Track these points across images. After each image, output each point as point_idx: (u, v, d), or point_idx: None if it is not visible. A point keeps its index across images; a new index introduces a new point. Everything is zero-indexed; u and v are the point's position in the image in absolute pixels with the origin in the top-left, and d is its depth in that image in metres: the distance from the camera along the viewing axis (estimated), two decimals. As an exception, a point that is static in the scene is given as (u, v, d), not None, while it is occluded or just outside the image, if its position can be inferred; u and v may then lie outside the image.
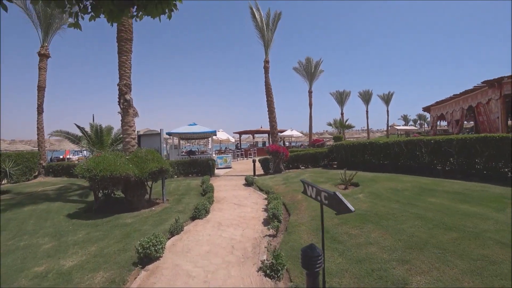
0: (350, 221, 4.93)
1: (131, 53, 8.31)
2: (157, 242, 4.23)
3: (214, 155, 17.03)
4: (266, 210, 6.94)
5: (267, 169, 13.48)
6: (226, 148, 32.51)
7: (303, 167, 14.43)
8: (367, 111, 45.59)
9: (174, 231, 5.27)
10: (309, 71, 31.27)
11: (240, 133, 28.85)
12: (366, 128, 51.73)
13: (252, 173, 13.51)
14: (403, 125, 72.06)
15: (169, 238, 5.15)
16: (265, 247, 4.49)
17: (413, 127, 64.28)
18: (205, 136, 17.09)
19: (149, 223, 6.13)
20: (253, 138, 29.72)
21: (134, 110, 8.19)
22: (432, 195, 5.99)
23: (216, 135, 17.54)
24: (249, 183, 10.61)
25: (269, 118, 13.78)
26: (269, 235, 5.07)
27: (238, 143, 29.98)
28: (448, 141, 7.93)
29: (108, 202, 8.24)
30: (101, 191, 8.24)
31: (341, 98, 40.25)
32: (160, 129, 8.13)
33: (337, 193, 2.41)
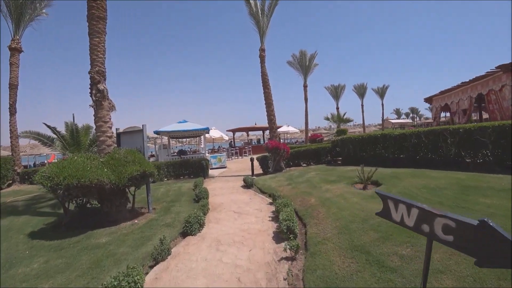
0: (393, 235, 3.71)
1: (104, 35, 6.92)
2: (132, 281, 2.92)
3: (207, 154, 15.70)
4: (273, 218, 5.69)
5: (266, 168, 12.23)
6: (219, 146, 31.12)
7: (304, 164, 13.24)
8: (362, 105, 44.88)
9: (159, 256, 3.96)
10: (304, 65, 30.10)
11: (234, 131, 27.51)
12: (359, 123, 51.09)
13: (250, 173, 12.25)
14: (395, 119, 71.77)
15: (151, 267, 3.84)
16: (284, 279, 3.23)
17: (407, 120, 63.94)
18: (197, 134, 15.71)
19: (128, 243, 4.80)
20: (248, 135, 28.45)
21: (110, 103, 6.81)
22: (481, 194, 4.82)
23: (208, 132, 16.20)
24: (248, 184, 9.33)
25: (267, 111, 12.51)
26: (286, 258, 3.80)
27: (232, 141, 28.63)
28: (481, 129, 6.79)
29: (82, 214, 6.87)
30: (73, 201, 6.88)
31: (336, 92, 39.28)
32: (143, 125, 6.77)
33: (488, 220, 1.15)
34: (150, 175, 6.53)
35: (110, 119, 6.75)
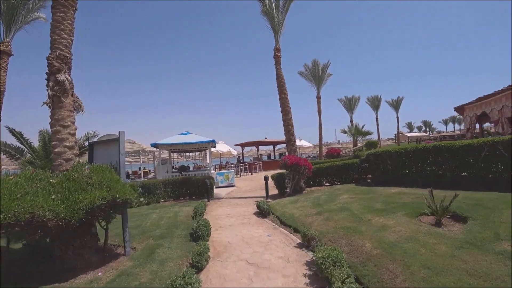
0: None
1: (73, 10, 5.15)
2: None
3: (213, 171, 13.69)
4: (313, 280, 3.54)
5: (283, 188, 10.09)
6: (227, 162, 29.09)
7: (327, 184, 11.06)
8: (376, 118, 42.61)
9: None
10: (317, 75, 28.30)
11: (243, 145, 25.55)
12: (372, 137, 48.59)
13: (263, 194, 10.17)
14: (407, 132, 68.72)
15: None
16: None
17: (423, 134, 60.85)
18: (201, 147, 13.76)
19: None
20: (258, 150, 26.40)
21: (75, 101, 4.92)
22: None
23: (215, 146, 14.26)
24: (263, 212, 7.20)
25: (284, 121, 10.51)
26: None
27: (240, 157, 26.60)
28: None
29: (31, 257, 4.86)
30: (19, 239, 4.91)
31: (350, 104, 37.15)
32: (119, 132, 4.82)
33: None
34: (124, 203, 4.51)
35: (73, 123, 4.83)
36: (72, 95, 4.86)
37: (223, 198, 10.78)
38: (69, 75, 4.85)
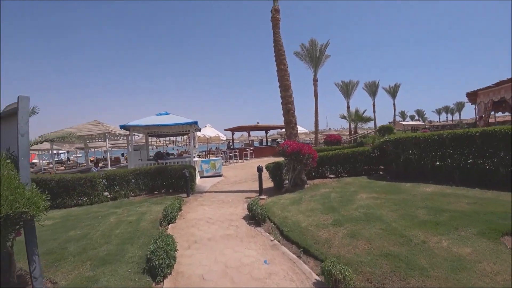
0: None
1: None
2: None
3: (197, 158, 11.72)
4: None
5: (280, 180, 8.24)
6: (216, 148, 26.99)
7: (332, 176, 9.28)
8: (373, 105, 40.92)
9: None
10: (314, 56, 26.18)
11: (233, 130, 23.43)
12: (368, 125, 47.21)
13: (254, 187, 8.36)
14: (400, 121, 67.57)
15: None
16: None
17: (419, 122, 59.86)
18: (183, 131, 11.68)
19: None
20: (249, 135, 24.40)
21: None
22: None
23: (199, 129, 12.21)
24: (257, 217, 5.26)
25: (282, 98, 8.50)
26: None
27: (230, 143, 24.56)
28: None
29: None
30: None
31: (347, 89, 35.28)
32: (19, 98, 2.80)
33: None
34: (16, 219, 2.53)
35: None
36: None
37: (206, 192, 8.88)
38: None
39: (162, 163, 9.84)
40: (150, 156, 11.74)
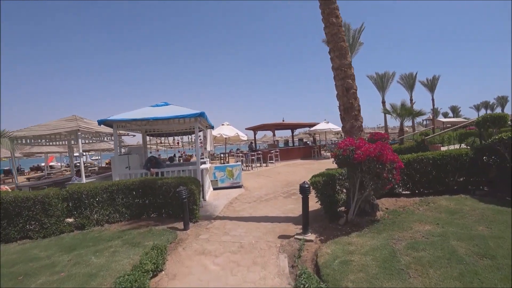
0: None
1: None
2: None
3: (207, 164, 8.78)
4: None
5: (331, 204, 5.05)
6: (238, 149, 23.89)
7: (406, 192, 5.99)
8: (411, 99, 36.20)
9: None
10: (347, 42, 22.66)
11: (255, 129, 20.33)
12: (382, 125, 42.74)
13: (288, 207, 5.29)
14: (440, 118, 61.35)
15: None
16: None
17: (461, 119, 53.59)
18: (188, 127, 8.72)
19: None
20: (274, 135, 21.17)
21: None
22: None
23: (209, 125, 9.22)
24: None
25: (336, 69, 5.23)
26: None
27: (252, 143, 21.50)
28: None
29: None
30: None
31: (381, 82, 31.22)
32: None
33: None
34: None
35: None
36: None
37: (217, 217, 5.86)
38: None
39: (157, 173, 6.93)
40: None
